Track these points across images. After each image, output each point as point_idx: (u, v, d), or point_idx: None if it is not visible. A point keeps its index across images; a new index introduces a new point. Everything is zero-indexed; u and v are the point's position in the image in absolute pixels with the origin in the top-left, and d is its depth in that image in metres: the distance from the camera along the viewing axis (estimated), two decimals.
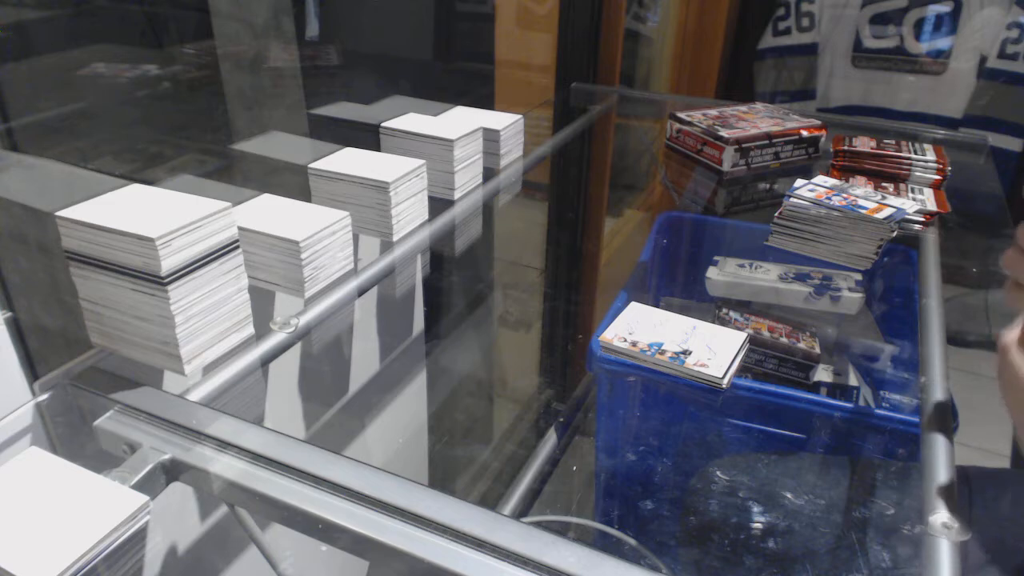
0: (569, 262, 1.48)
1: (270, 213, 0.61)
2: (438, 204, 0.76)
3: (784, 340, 0.94)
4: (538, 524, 0.40)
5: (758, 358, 0.94)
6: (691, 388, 0.66)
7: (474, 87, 1.19)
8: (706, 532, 0.82)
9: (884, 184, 0.94)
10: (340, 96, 0.84)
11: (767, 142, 1.01)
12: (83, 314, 0.51)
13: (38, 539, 0.37)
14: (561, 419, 1.03)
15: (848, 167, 0.99)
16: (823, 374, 0.99)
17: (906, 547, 0.73)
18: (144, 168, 0.64)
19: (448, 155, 0.77)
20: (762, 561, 0.79)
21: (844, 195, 0.82)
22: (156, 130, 0.67)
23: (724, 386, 0.64)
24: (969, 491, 0.67)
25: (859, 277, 0.99)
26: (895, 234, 0.79)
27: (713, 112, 1.10)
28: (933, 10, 2.03)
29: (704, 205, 1.08)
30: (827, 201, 0.80)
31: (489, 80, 1.21)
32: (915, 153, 0.98)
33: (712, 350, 0.67)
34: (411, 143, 0.77)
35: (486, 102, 1.21)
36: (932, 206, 0.88)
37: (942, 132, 1.15)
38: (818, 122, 1.05)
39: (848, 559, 0.75)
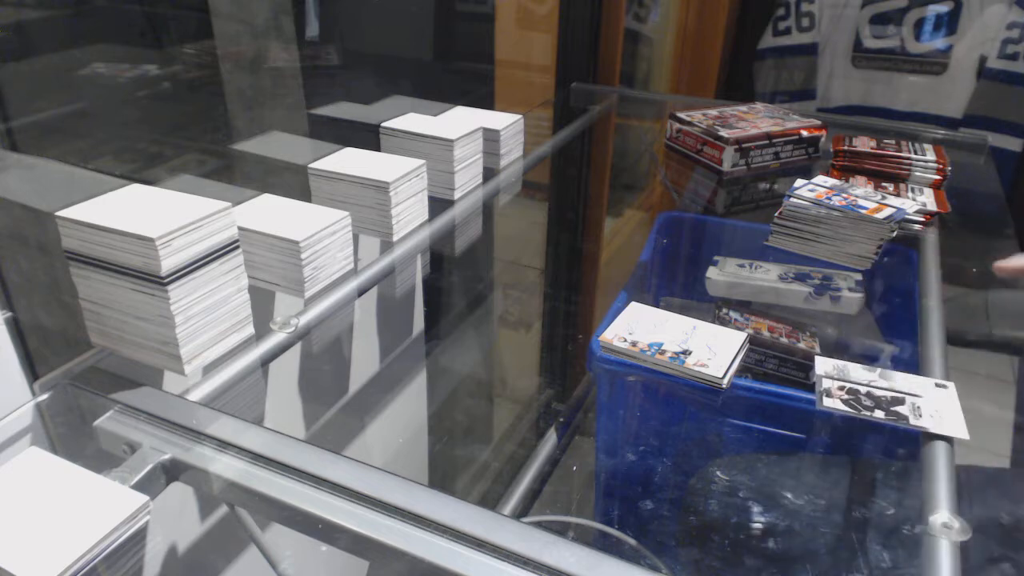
0: (569, 262, 1.48)
1: (270, 213, 0.61)
2: (438, 204, 0.76)
3: (784, 340, 0.94)
4: (538, 524, 0.40)
5: (758, 358, 0.93)
6: (691, 388, 0.66)
7: (474, 87, 1.19)
8: (706, 532, 0.82)
9: (884, 184, 0.94)
10: (340, 96, 0.84)
11: (767, 142, 1.01)
12: (83, 314, 0.51)
13: (38, 539, 0.37)
14: (561, 419, 1.03)
15: (848, 167, 0.99)
16: None
17: (906, 547, 0.73)
18: (144, 168, 0.64)
19: (448, 155, 0.77)
20: (762, 561, 0.79)
21: (844, 195, 0.82)
22: (156, 130, 0.67)
23: (724, 386, 0.64)
24: (969, 491, 0.67)
25: (859, 277, 0.99)
26: (895, 234, 0.79)
27: (713, 112, 1.10)
28: (933, 10, 2.03)
29: (704, 205, 1.08)
30: (827, 201, 0.80)
31: (489, 80, 1.21)
32: (915, 153, 0.98)
33: (712, 350, 0.67)
34: (411, 143, 0.77)
35: (486, 102, 1.21)
36: (932, 206, 0.88)
37: (942, 132, 1.15)
38: (818, 122, 1.05)
39: (848, 559, 0.75)
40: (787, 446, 0.81)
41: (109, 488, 0.41)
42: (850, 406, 0.56)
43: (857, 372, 0.61)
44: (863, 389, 0.58)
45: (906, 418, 0.55)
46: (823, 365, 0.62)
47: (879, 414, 0.55)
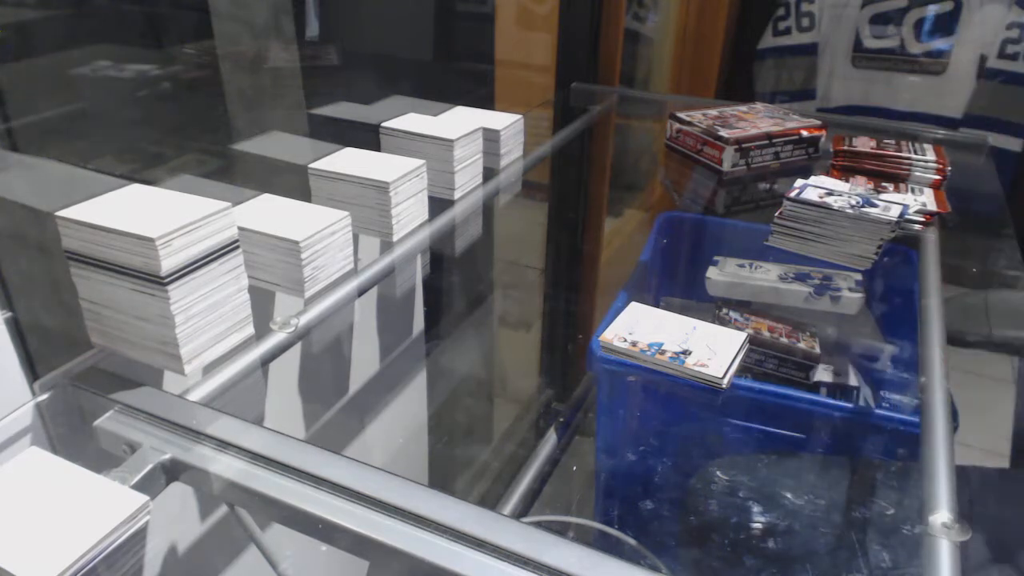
0: (569, 262, 1.48)
1: (270, 213, 0.61)
2: (438, 204, 0.76)
3: (784, 340, 0.94)
4: (538, 524, 0.40)
5: (758, 358, 0.94)
6: (691, 388, 0.66)
7: (474, 87, 1.19)
8: (706, 532, 0.82)
9: (884, 184, 0.94)
10: (340, 96, 0.84)
11: (767, 142, 1.01)
12: (83, 314, 0.51)
13: (38, 539, 0.37)
14: (561, 419, 1.03)
15: (848, 167, 0.99)
16: (823, 374, 0.99)
17: (906, 547, 0.73)
18: (144, 168, 0.64)
19: (448, 155, 0.77)
20: (762, 561, 0.79)
21: (844, 195, 0.82)
22: (156, 130, 0.67)
23: (724, 386, 0.64)
24: (969, 491, 0.67)
25: (859, 277, 0.99)
26: (895, 234, 0.79)
27: (713, 112, 1.10)
28: (933, 10, 2.03)
29: (704, 205, 1.08)
30: (827, 201, 0.80)
31: (489, 80, 1.21)
32: (915, 153, 0.98)
33: (712, 350, 0.67)
34: (411, 143, 0.77)
35: (486, 102, 1.21)
36: (932, 206, 0.88)
37: (942, 132, 1.15)
38: (818, 122, 1.05)
39: (848, 559, 0.75)
40: (787, 446, 0.81)
41: (109, 488, 0.41)
42: None
43: None
44: None
45: None
46: None
47: None
